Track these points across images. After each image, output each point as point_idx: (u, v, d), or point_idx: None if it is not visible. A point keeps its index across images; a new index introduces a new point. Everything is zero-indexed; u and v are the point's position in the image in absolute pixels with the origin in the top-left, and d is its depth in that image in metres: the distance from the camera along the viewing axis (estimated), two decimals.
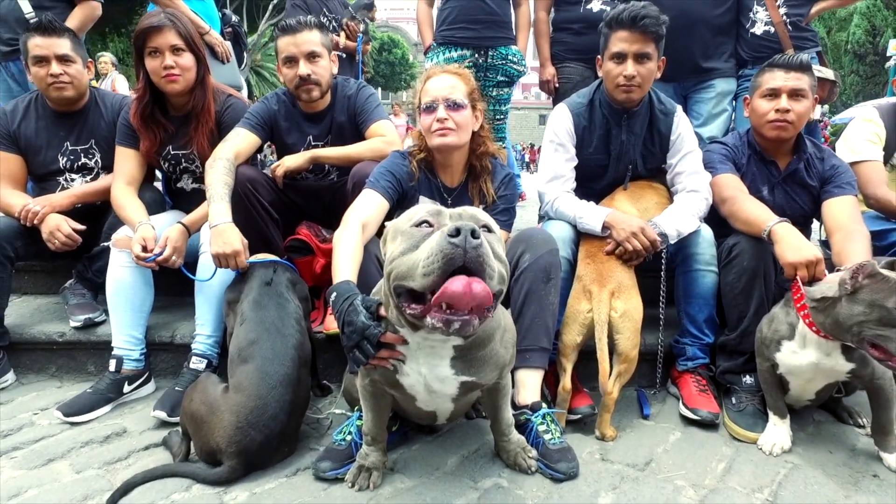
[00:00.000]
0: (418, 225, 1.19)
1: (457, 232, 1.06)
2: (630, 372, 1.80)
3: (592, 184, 2.18)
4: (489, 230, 1.21)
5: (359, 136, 2.21)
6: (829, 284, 1.55)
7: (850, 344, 1.55)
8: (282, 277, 1.89)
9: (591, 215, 1.94)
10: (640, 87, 1.99)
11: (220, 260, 1.85)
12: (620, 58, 1.97)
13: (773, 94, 1.97)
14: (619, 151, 2.12)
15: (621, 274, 1.84)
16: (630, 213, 2.00)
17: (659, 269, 1.94)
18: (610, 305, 1.79)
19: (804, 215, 2.10)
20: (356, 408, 1.68)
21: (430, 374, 1.36)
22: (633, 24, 1.92)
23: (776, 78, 1.96)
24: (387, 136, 2.15)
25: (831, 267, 1.75)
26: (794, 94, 1.94)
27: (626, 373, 1.79)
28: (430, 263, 1.07)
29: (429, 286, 1.09)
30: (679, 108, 2.14)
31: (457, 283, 1.06)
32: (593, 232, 1.93)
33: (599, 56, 2.08)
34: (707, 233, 1.96)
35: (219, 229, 1.85)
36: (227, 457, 1.51)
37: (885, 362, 1.46)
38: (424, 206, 1.24)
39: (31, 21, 2.79)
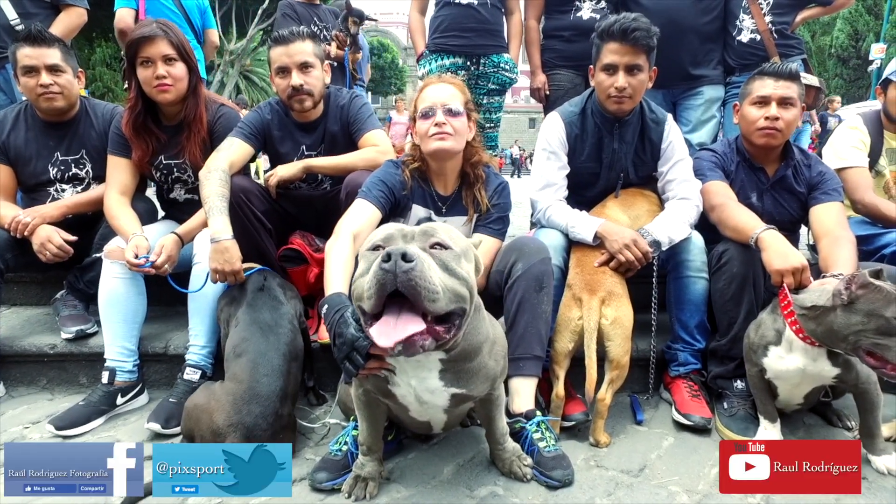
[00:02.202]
0: (374, 248, 1.22)
1: (388, 257, 1.09)
2: (622, 378, 1.82)
3: (584, 191, 2.20)
4: (444, 247, 1.21)
5: (352, 145, 2.21)
6: (819, 293, 1.57)
7: (842, 352, 1.57)
8: (272, 282, 1.97)
9: (583, 225, 1.95)
10: (632, 99, 2.02)
11: (219, 276, 1.88)
12: (612, 69, 1.99)
13: (763, 101, 2.00)
14: (611, 160, 2.14)
15: (611, 282, 1.85)
16: (621, 220, 2.02)
17: (650, 275, 1.96)
18: (600, 313, 1.80)
19: (792, 221, 2.14)
20: (352, 418, 1.68)
21: (419, 386, 1.37)
22: (623, 37, 1.94)
23: (766, 86, 2.00)
24: (380, 145, 2.16)
25: (818, 272, 1.78)
26: (784, 102, 1.98)
27: (618, 379, 1.80)
28: (369, 289, 1.13)
29: (371, 310, 1.16)
30: (670, 116, 2.17)
31: (382, 323, 1.14)
32: (584, 241, 1.95)
33: (592, 66, 2.10)
34: (698, 240, 1.98)
35: (221, 246, 1.86)
36: (227, 433, 1.57)
37: (881, 369, 1.48)
38: (382, 229, 1.28)
39: (18, 29, 2.78)
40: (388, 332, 1.13)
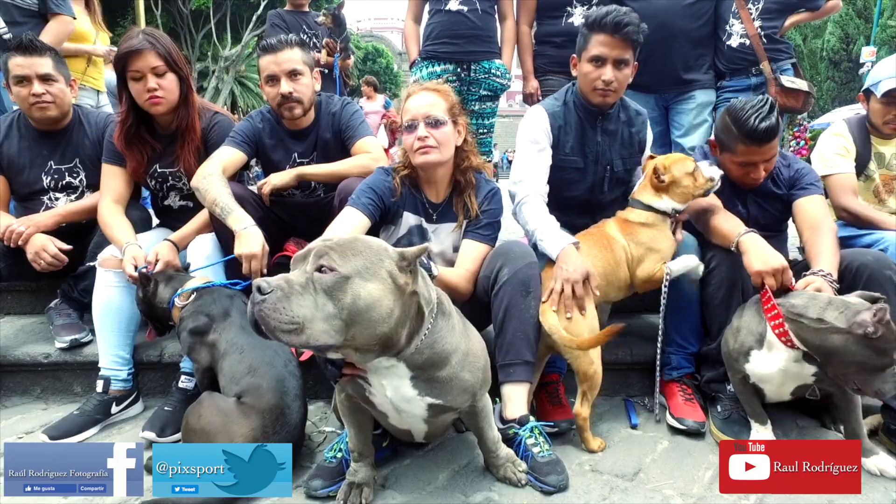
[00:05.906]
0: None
1: (257, 290, 1.12)
2: (594, 389, 1.74)
3: (572, 190, 2.17)
4: (330, 270, 1.16)
5: (344, 152, 2.23)
6: (810, 298, 1.56)
7: (824, 369, 1.58)
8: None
9: (551, 240, 1.86)
10: (616, 92, 2.04)
11: (244, 261, 1.84)
12: (600, 61, 1.99)
13: (749, 164, 1.94)
14: (596, 153, 2.14)
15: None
16: (619, 241, 1.93)
17: None
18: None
19: (780, 221, 2.15)
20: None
21: (395, 395, 1.37)
22: (615, 30, 1.94)
23: (752, 152, 1.91)
24: (373, 152, 2.17)
25: (799, 273, 1.78)
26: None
27: (590, 390, 1.74)
28: None
29: None
30: (645, 111, 2.22)
31: None
32: (546, 254, 1.88)
33: (575, 55, 2.09)
34: (690, 241, 1.97)
35: (245, 233, 1.87)
36: None
37: (850, 386, 1.52)
38: (307, 247, 1.25)
39: (7, 38, 2.77)
40: None
